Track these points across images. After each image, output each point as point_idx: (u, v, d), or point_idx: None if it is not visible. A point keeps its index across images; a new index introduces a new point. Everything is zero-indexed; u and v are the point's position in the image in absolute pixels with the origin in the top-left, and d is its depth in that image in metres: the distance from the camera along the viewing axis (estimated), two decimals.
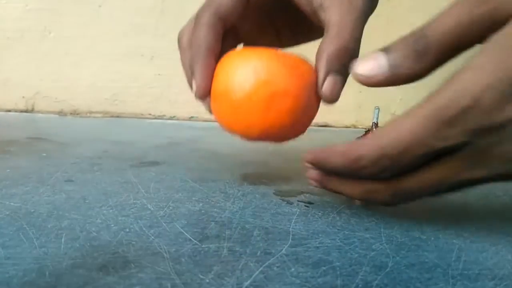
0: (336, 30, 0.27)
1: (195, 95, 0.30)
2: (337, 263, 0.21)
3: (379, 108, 0.34)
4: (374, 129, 0.33)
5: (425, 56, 0.22)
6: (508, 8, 0.20)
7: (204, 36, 0.30)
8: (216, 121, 0.30)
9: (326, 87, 0.27)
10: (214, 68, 0.30)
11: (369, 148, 0.22)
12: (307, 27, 0.34)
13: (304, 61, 0.29)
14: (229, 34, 0.32)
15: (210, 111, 0.31)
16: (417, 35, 0.22)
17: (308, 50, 0.32)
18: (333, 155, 0.24)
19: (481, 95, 0.20)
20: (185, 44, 0.32)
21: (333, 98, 0.28)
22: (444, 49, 0.22)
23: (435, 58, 0.22)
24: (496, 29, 0.20)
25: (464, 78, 0.20)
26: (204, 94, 0.29)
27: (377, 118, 0.34)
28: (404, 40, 0.22)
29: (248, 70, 0.27)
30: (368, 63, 0.23)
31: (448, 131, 0.20)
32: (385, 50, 0.23)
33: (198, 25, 0.30)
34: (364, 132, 0.34)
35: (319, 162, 0.25)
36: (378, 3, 0.32)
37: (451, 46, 0.22)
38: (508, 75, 0.19)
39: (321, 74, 0.27)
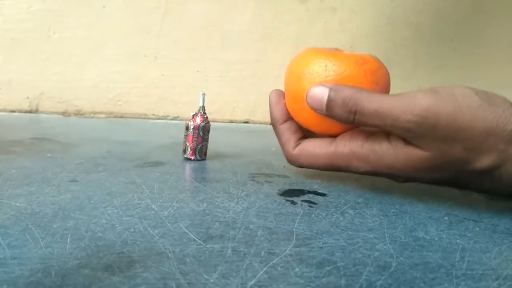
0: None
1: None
2: (341, 263, 0.21)
3: (204, 93, 0.41)
4: (201, 111, 0.40)
5: (353, 120, 0.29)
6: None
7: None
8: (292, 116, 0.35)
9: None
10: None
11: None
12: None
13: (379, 65, 0.33)
14: None
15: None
16: (351, 104, 0.29)
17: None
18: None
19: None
20: None
21: None
22: (369, 124, 0.29)
23: (358, 124, 0.30)
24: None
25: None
26: None
27: (203, 102, 0.41)
28: (346, 97, 0.29)
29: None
30: (316, 99, 0.31)
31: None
32: (329, 100, 0.30)
33: None
34: (191, 115, 0.40)
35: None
36: (380, 4, 0.32)
37: (373, 125, 0.29)
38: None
39: None
